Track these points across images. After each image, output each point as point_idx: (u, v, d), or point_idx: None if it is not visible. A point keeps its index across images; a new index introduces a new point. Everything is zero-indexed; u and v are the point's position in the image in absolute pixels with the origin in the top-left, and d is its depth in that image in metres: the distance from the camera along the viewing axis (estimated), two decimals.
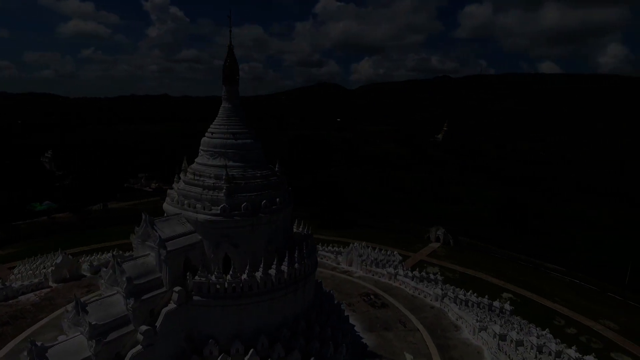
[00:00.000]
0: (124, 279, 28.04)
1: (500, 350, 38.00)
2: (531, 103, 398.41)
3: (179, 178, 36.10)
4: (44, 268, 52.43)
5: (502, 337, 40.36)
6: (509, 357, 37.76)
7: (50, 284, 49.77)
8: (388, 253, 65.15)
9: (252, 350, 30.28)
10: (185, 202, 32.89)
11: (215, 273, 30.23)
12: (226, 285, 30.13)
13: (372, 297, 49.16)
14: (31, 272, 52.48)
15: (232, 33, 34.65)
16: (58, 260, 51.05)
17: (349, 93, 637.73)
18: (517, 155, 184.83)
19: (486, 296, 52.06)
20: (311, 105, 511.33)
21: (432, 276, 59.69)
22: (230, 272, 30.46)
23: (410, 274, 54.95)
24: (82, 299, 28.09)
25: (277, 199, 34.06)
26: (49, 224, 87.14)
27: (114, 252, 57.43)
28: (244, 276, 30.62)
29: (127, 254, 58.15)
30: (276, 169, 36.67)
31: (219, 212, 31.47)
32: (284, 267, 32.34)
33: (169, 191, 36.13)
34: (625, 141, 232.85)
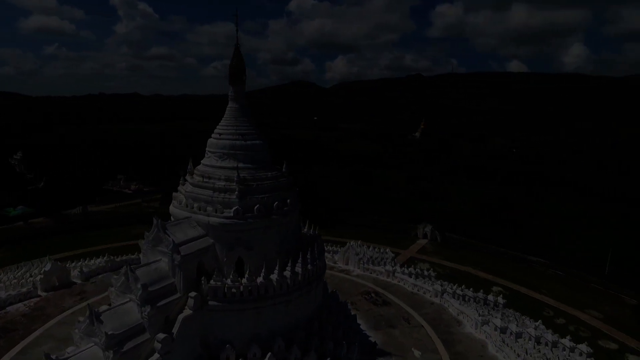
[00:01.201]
0: (139, 286, 27.17)
1: (503, 342, 39.10)
2: (501, 101, 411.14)
3: (185, 180, 35.29)
4: (31, 276, 49.98)
5: (503, 330, 41.58)
6: (512, 349, 38.90)
7: (40, 292, 47.51)
8: (381, 251, 65.80)
9: (269, 353, 30.01)
10: (195, 205, 32.17)
11: (231, 277, 29.74)
12: (242, 288, 29.70)
13: (373, 295, 49.56)
14: (16, 280, 49.85)
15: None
16: (47, 268, 48.78)
17: (324, 91, 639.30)
18: (491, 152, 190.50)
19: (481, 291, 53.48)
20: (286, 103, 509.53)
21: (425, 272, 60.78)
22: (246, 276, 30.05)
23: (406, 271, 55.72)
24: (73, 308, 26.81)
25: (288, 200, 33.84)
26: (26, 229, 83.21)
27: (105, 258, 55.85)
28: (260, 279, 30.29)
29: (118, 258, 57.30)
30: (283, 169, 36.36)
31: (232, 214, 30.94)
32: (298, 269, 32.20)
33: (174, 194, 35.23)
34: (592, 137, 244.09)
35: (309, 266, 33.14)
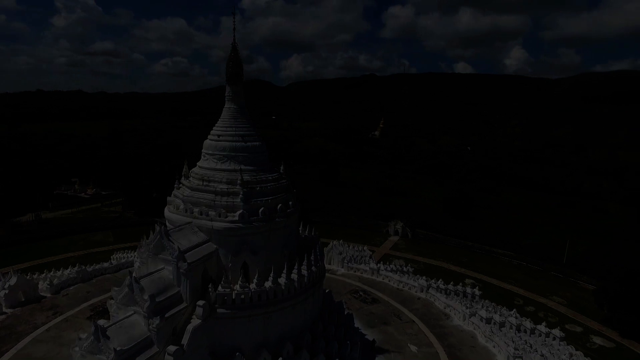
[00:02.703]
0: (146, 297, 25.73)
1: (492, 332, 41.06)
2: (451, 101, 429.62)
3: (180, 184, 33.82)
4: None
5: (488, 321, 43.76)
6: (500, 339, 40.94)
7: (4, 310, 43.47)
8: (360, 249, 66.72)
9: (280, 358, 29.53)
10: (196, 209, 30.93)
11: (240, 282, 28.93)
12: (251, 294, 28.98)
13: (361, 293, 50.14)
14: None
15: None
16: (12, 282, 44.69)
17: (279, 90, 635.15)
18: (447, 150, 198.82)
19: (460, 284, 55.75)
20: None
21: (404, 268, 62.54)
22: (255, 280, 29.37)
23: (389, 268, 56.90)
24: (47, 324, 24.26)
25: (290, 202, 33.46)
26: None
27: (77, 268, 52.16)
28: (269, 283, 29.71)
29: (90, 268, 53.53)
30: (281, 170, 35.87)
31: (237, 218, 30.10)
32: (304, 271, 31.94)
33: (169, 198, 33.69)
34: (531, 135, 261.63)
35: (313, 268, 33.01)
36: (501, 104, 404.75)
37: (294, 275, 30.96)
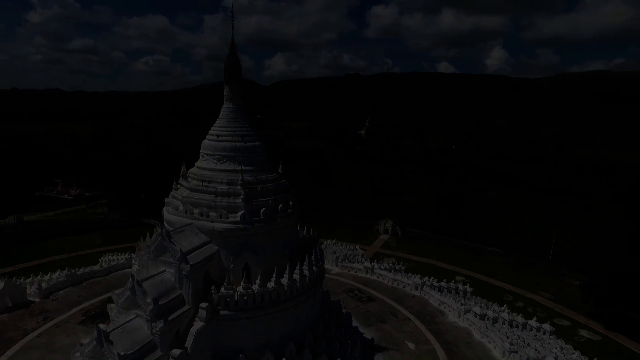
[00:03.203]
0: (149, 300, 25.32)
1: (487, 328, 41.78)
2: (434, 100, 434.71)
3: (178, 185, 33.35)
4: None
5: (482, 317, 44.52)
6: (495, 334, 41.70)
7: None
8: (352, 248, 67.00)
9: (283, 359, 29.44)
10: (196, 210, 30.56)
11: (242, 284, 28.73)
12: (254, 295, 28.81)
13: (356, 292, 50.36)
14: None
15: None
16: (0, 287, 43.37)
17: (263, 89, 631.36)
18: (433, 148, 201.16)
19: (452, 281, 56.52)
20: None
21: (396, 267, 63.09)
22: (258, 281, 29.20)
23: (383, 266, 57.30)
24: (38, 330, 23.68)
25: (290, 202, 33.37)
26: None
27: (66, 271, 50.97)
28: (271, 284, 29.57)
29: (79, 271, 52.22)
30: (280, 170, 35.72)
31: (238, 219, 29.87)
32: (306, 271, 31.91)
33: (167, 199, 33.22)
34: (514, 134, 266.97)
35: (314, 267, 33.01)
36: (485, 104, 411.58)
37: (296, 275, 30.91)
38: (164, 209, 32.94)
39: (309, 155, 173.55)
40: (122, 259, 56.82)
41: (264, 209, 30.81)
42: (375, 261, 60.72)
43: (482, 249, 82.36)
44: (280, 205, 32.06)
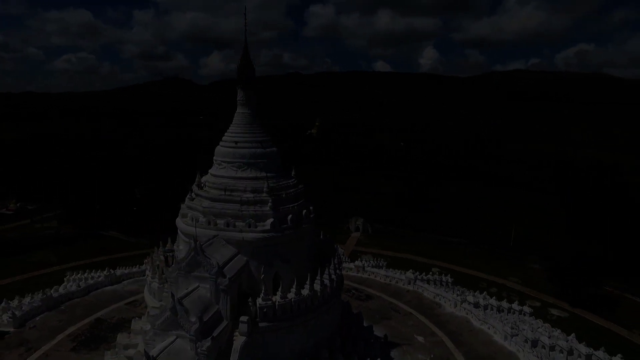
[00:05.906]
0: (193, 319, 23.90)
1: (485, 315, 44.43)
2: (375, 98, 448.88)
3: (193, 195, 31.67)
4: None
5: (476, 305, 47.28)
6: (492, 320, 44.46)
7: None
8: (335, 247, 67.46)
9: None
10: (220, 221, 29.30)
11: (279, 293, 28.08)
12: (292, 304, 28.29)
13: (353, 291, 50.96)
14: None
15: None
16: None
17: (201, 88, 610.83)
18: (382, 146, 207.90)
19: (430, 273, 59.19)
20: (161, 101, 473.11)
21: (380, 263, 64.89)
22: (293, 289, 28.69)
23: (370, 264, 58.56)
24: None
25: (310, 207, 33.12)
26: None
27: (40, 295, 45.94)
28: (305, 291, 29.20)
29: (55, 294, 47.28)
30: (292, 175, 35.23)
31: (268, 227, 29.11)
32: (333, 275, 31.89)
33: (182, 212, 31.44)
34: (454, 130, 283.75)
35: (338, 271, 33.11)
36: (424, 101, 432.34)
37: (326, 280, 30.77)
38: (180, 220, 31.13)
39: None
40: (98, 276, 52.35)
41: (290, 215, 30.30)
42: (359, 259, 61.89)
43: (449, 241, 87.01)
44: (305, 211, 31.71)
